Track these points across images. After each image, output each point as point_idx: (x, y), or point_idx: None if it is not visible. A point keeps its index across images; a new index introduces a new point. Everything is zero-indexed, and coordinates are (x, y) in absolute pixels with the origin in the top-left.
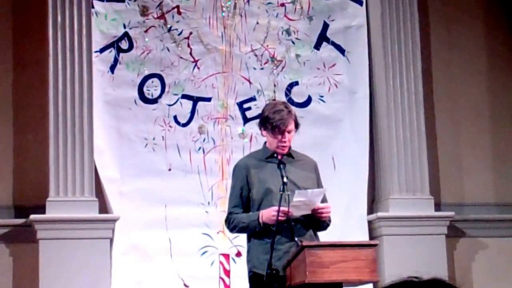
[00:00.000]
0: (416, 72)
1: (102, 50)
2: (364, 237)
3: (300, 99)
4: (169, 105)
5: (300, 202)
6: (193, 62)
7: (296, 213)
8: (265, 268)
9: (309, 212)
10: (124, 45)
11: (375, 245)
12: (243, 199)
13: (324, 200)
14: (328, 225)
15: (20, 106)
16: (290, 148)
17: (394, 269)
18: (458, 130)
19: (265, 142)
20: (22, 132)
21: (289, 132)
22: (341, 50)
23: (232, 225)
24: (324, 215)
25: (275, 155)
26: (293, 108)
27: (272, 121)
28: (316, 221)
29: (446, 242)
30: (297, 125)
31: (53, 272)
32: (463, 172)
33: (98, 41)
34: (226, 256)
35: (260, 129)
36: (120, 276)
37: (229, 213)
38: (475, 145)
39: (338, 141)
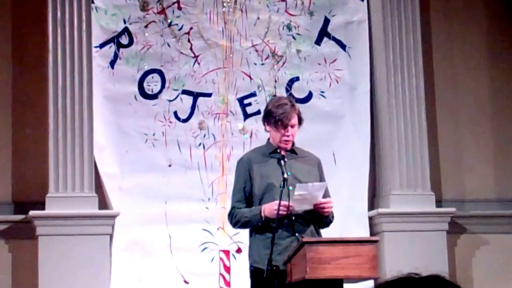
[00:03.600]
0: (417, 68)
1: (102, 45)
2: (364, 233)
3: (300, 95)
4: (169, 101)
5: (301, 196)
6: (193, 57)
7: (298, 207)
8: (266, 263)
9: (311, 207)
10: (124, 40)
11: (375, 241)
12: (246, 194)
13: (326, 195)
14: (331, 221)
15: (19, 101)
16: (293, 144)
17: (394, 266)
18: (459, 125)
19: (269, 138)
20: (22, 127)
21: (292, 126)
22: (342, 46)
23: (235, 220)
24: (326, 210)
25: (278, 150)
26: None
27: (275, 115)
28: (319, 217)
29: (447, 238)
30: (300, 121)
31: (53, 268)
32: (464, 168)
33: (98, 36)
34: (226, 253)
35: (264, 123)
36: (120, 272)
37: (232, 208)
38: (476, 140)
39: (339, 137)
